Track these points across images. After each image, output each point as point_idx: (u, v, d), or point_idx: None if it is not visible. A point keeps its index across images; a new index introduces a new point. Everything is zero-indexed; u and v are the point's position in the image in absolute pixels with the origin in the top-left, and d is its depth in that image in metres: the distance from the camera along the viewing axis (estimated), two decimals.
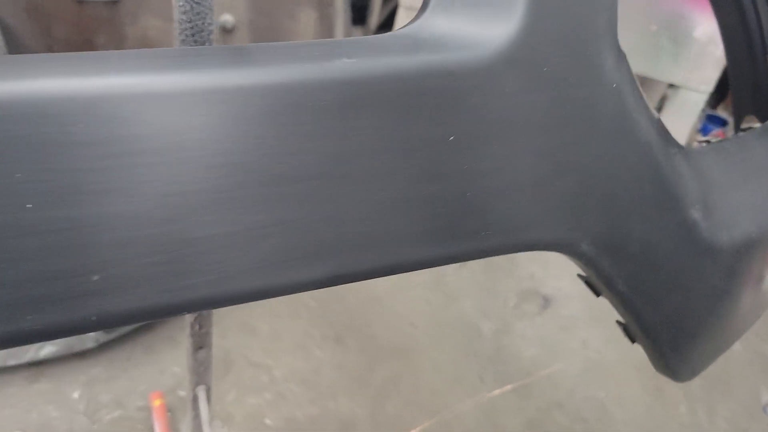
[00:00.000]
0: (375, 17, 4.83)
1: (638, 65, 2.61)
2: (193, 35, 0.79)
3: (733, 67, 1.17)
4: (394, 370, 2.20)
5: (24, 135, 0.33)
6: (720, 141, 0.80)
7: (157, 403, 1.85)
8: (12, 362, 1.82)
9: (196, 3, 0.77)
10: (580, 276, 0.66)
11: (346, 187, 0.42)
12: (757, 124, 0.89)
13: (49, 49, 2.43)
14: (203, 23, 0.79)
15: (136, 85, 0.35)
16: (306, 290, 0.43)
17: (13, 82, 0.32)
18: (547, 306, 2.61)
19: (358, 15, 5.18)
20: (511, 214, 0.51)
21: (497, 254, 0.52)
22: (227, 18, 2.53)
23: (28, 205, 0.34)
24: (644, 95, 0.60)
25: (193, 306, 0.39)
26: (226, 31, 2.56)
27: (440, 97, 0.45)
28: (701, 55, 2.57)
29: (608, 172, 0.55)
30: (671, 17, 2.55)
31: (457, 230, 0.48)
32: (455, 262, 0.51)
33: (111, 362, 2.00)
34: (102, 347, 2.00)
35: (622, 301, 0.64)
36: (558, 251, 0.56)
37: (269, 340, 2.23)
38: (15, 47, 2.34)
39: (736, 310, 0.79)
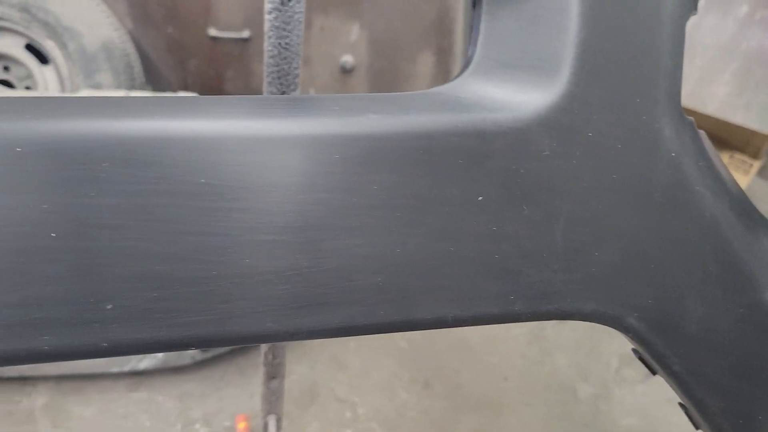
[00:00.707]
0: None
1: None
2: (279, 78, 0.84)
3: None
4: (479, 421, 2.14)
5: (49, 171, 0.36)
6: None
7: (241, 425, 1.90)
8: (114, 369, 1.96)
9: (284, 48, 0.82)
10: (633, 351, 0.62)
11: (362, 240, 0.43)
12: None
13: (183, 81, 2.64)
14: (289, 68, 0.83)
15: (149, 129, 0.38)
16: (311, 339, 0.44)
17: (36, 123, 0.36)
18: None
19: None
20: (543, 280, 0.49)
21: (529, 320, 0.51)
22: (347, 59, 2.63)
23: (52, 234, 0.37)
24: (722, 166, 0.56)
25: (194, 342, 0.41)
26: (346, 71, 2.67)
27: (467, 156, 0.44)
28: None
29: (660, 246, 0.52)
30: None
31: (481, 291, 0.47)
32: (482, 324, 0.50)
33: (205, 379, 2.09)
34: (198, 364, 2.09)
35: (678, 383, 0.59)
36: (601, 323, 0.54)
37: (357, 377, 2.24)
38: (153, 78, 2.57)
39: None
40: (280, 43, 0.80)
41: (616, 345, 2.59)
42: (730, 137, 3.46)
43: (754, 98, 2.54)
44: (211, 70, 2.63)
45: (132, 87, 2.25)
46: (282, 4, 0.77)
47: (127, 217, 0.38)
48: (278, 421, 1.27)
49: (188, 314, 0.40)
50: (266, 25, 0.78)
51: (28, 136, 0.36)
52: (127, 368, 1.96)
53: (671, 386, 0.61)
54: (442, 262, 0.45)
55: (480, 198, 0.45)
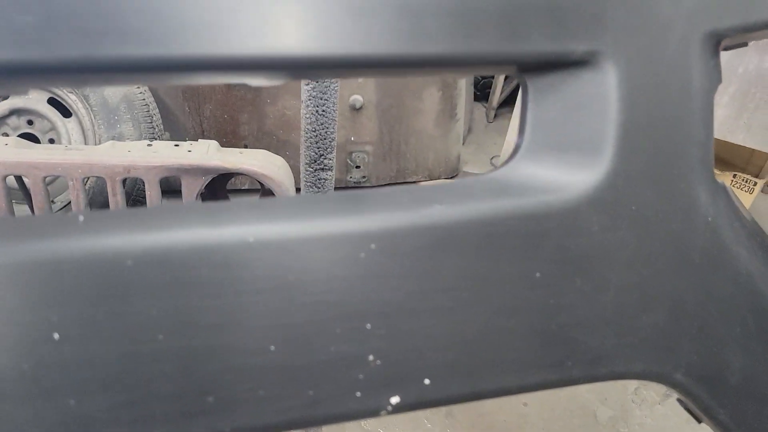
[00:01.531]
0: (497, 95, 5.00)
1: None
2: (316, 143, 0.88)
3: None
4: None
5: (155, 280, 0.39)
6: None
7: None
8: None
9: (321, 115, 0.85)
10: (679, 400, 0.65)
11: (433, 320, 0.46)
12: None
13: (199, 125, 2.69)
14: (326, 132, 0.87)
15: (241, 235, 0.41)
16: (390, 414, 0.47)
17: (141, 236, 0.40)
18: (671, 394, 2.46)
19: (482, 93, 5.36)
20: (596, 345, 0.52)
21: (584, 383, 0.54)
22: (356, 98, 2.68)
23: (159, 336, 0.40)
24: (753, 224, 0.60)
25: (286, 425, 0.44)
26: (355, 109, 2.72)
27: (524, 238, 0.48)
28: None
29: (701, 305, 0.56)
30: None
31: (541, 360, 0.51)
32: (543, 390, 0.53)
33: None
34: None
35: None
36: (650, 380, 0.57)
37: None
38: (170, 124, 2.62)
39: None
40: (317, 111, 0.84)
41: None
42: (731, 158, 3.51)
43: (754, 119, 2.59)
44: (225, 114, 2.68)
45: (152, 136, 2.29)
46: None
47: (224, 316, 0.41)
48: None
49: (281, 401, 0.43)
50: (303, 95, 0.82)
51: (135, 251, 0.40)
52: None
53: None
54: (505, 336, 0.49)
55: (537, 275, 0.49)
